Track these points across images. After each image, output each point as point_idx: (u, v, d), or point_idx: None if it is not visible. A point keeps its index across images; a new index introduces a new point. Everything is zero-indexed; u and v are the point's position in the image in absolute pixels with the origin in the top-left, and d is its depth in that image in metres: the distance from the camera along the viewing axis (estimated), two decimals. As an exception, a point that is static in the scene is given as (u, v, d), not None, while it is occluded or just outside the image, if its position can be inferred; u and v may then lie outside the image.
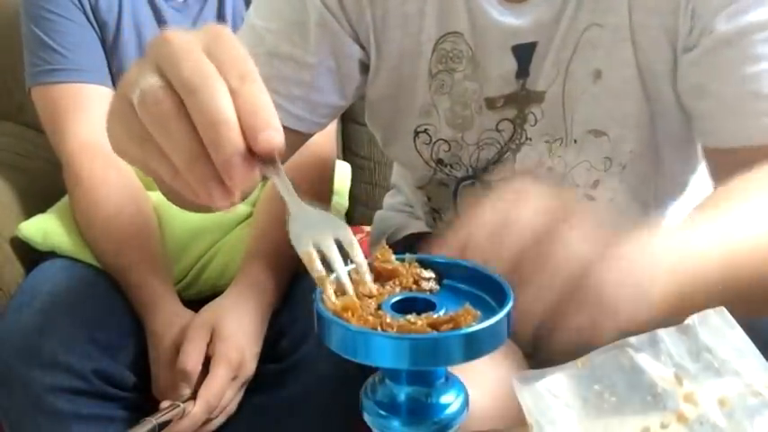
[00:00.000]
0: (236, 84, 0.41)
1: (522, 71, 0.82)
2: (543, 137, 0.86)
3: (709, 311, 0.41)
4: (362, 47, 0.84)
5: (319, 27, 0.80)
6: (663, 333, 0.41)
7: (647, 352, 0.40)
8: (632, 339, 0.41)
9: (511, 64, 0.82)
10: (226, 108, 0.40)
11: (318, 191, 1.17)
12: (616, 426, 0.39)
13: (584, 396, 0.40)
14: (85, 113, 1.18)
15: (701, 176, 0.95)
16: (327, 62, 0.82)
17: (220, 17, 1.25)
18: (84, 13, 1.21)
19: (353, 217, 1.59)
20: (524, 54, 0.81)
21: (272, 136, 0.41)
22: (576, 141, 0.85)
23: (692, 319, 0.41)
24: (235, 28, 1.24)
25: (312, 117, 0.83)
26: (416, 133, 0.88)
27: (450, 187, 0.92)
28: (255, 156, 0.41)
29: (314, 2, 0.80)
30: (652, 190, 0.89)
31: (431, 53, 0.83)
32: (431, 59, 0.83)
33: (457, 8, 0.81)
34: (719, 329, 0.41)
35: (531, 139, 0.86)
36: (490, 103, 0.84)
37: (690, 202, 1.00)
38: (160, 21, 1.23)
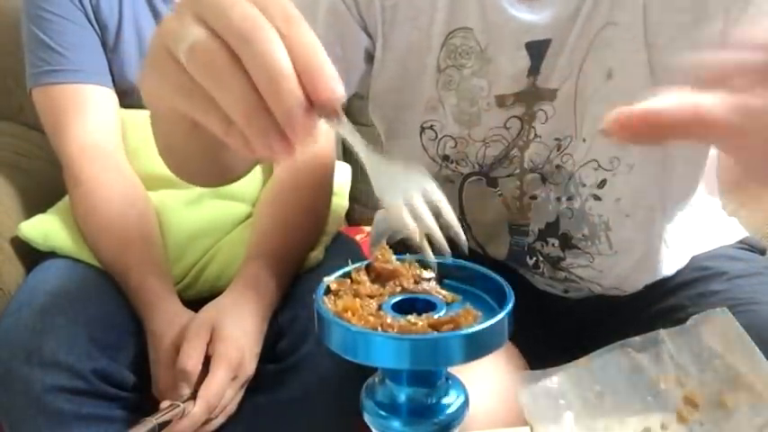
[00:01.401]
0: (285, 28, 0.40)
1: (534, 68, 0.81)
2: (552, 134, 0.85)
3: (715, 311, 0.41)
4: (370, 36, 0.83)
5: (329, 14, 0.79)
6: (664, 334, 0.41)
7: (648, 352, 0.40)
8: (633, 340, 0.41)
9: (524, 61, 0.81)
10: (283, 58, 0.39)
11: (318, 192, 1.17)
12: (616, 426, 0.39)
13: (584, 396, 0.40)
14: (86, 114, 1.18)
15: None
16: (334, 49, 0.80)
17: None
18: (85, 14, 1.21)
19: (353, 217, 1.59)
20: (537, 51, 0.80)
21: (334, 86, 0.40)
22: (584, 140, 0.84)
23: (694, 320, 0.41)
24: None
25: None
26: (422, 129, 0.88)
27: (456, 183, 0.91)
28: (315, 105, 0.40)
29: None
30: (659, 194, 0.89)
31: (440, 48, 0.82)
32: (439, 54, 0.83)
33: (468, 3, 0.80)
34: (722, 330, 0.41)
35: (539, 137, 0.85)
36: (500, 101, 0.84)
37: (694, 215, 0.99)
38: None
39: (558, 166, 0.86)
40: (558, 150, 0.86)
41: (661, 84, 0.78)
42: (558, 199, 0.89)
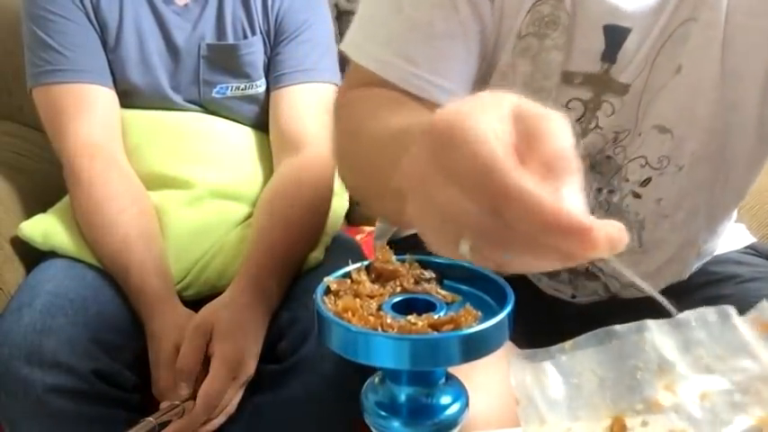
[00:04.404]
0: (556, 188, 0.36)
1: (609, 55, 0.78)
2: (613, 128, 0.82)
3: (709, 309, 0.41)
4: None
5: None
6: (651, 323, 0.41)
7: (632, 338, 0.40)
8: (617, 327, 0.41)
9: (598, 43, 0.77)
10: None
11: (319, 190, 1.17)
12: (595, 407, 0.39)
13: (566, 379, 0.40)
14: (86, 114, 1.18)
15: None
16: (475, 27, 0.76)
17: (220, 21, 1.25)
18: (86, 13, 1.21)
19: (353, 217, 1.59)
20: (615, 38, 0.77)
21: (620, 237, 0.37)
22: (639, 134, 0.81)
23: (686, 315, 0.41)
24: (234, 31, 1.25)
25: (465, 90, 0.76)
26: None
27: None
28: None
29: None
30: (706, 198, 0.86)
31: (526, 13, 0.78)
32: (524, 20, 0.78)
33: None
34: (718, 328, 0.41)
35: (601, 128, 0.81)
36: (567, 78, 0.80)
37: (735, 228, 0.98)
38: (161, 23, 1.24)
39: (608, 157, 0.83)
40: (614, 142, 0.82)
41: (730, 87, 0.77)
42: (600, 190, 0.86)
